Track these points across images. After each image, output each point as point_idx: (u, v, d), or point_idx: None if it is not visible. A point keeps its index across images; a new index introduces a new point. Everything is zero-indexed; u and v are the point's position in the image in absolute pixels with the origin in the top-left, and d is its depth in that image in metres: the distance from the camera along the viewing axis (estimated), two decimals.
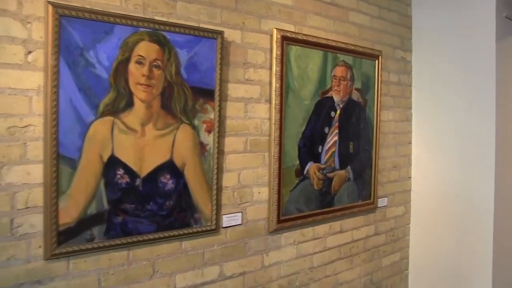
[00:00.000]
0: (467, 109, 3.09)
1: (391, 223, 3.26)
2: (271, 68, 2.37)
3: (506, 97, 3.11)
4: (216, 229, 2.16)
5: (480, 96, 3.02)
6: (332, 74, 2.67)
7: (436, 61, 3.30)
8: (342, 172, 2.78)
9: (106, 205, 1.81)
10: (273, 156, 2.36)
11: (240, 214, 2.28)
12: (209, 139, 2.12)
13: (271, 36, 2.38)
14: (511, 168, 3.21)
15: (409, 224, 3.45)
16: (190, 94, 2.04)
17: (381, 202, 3.15)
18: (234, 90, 2.25)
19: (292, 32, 2.45)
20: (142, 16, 1.89)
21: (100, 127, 1.78)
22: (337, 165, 2.73)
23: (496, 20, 2.99)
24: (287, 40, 2.40)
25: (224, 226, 2.22)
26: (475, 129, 3.05)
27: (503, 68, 3.06)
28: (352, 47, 2.79)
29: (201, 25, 2.09)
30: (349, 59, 2.77)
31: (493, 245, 2.96)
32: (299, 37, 2.47)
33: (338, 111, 2.72)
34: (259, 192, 2.36)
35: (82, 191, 1.74)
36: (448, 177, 3.21)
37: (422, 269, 3.42)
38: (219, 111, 2.13)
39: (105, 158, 1.80)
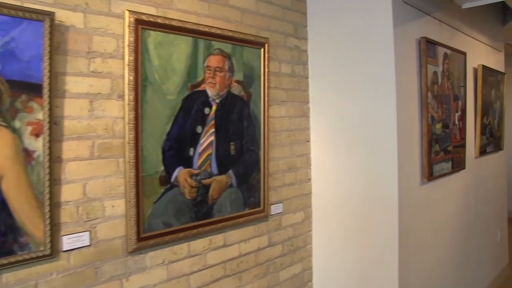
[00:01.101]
0: (368, 101, 3.06)
1: (288, 231, 3.13)
2: (124, 58, 2.14)
3: (406, 85, 3.09)
4: (51, 254, 1.89)
5: (380, 85, 2.99)
6: (205, 65, 2.48)
7: (334, 50, 3.22)
8: (222, 177, 2.59)
9: None
10: (128, 162, 2.13)
11: (87, 233, 2.03)
12: (37, 145, 1.84)
13: (124, 20, 2.15)
14: (414, 162, 3.20)
15: (310, 231, 3.34)
16: (7, 89, 1.75)
17: (275, 209, 3.00)
18: (75, 84, 2.00)
19: (149, 15, 2.23)
20: None
21: None
22: (214, 170, 2.54)
23: (393, 5, 2.97)
24: (143, 24, 2.18)
25: (65, 249, 1.96)
26: (378, 121, 3.02)
27: (402, 54, 3.04)
28: (230, 34, 2.61)
29: (24, 5, 1.82)
30: (226, 47, 2.59)
31: (399, 247, 2.94)
32: (159, 21, 2.25)
33: (214, 107, 2.53)
34: (112, 206, 2.12)
35: None
36: (352, 177, 3.15)
37: (328, 279, 3.34)
38: (50, 109, 1.87)
39: None
